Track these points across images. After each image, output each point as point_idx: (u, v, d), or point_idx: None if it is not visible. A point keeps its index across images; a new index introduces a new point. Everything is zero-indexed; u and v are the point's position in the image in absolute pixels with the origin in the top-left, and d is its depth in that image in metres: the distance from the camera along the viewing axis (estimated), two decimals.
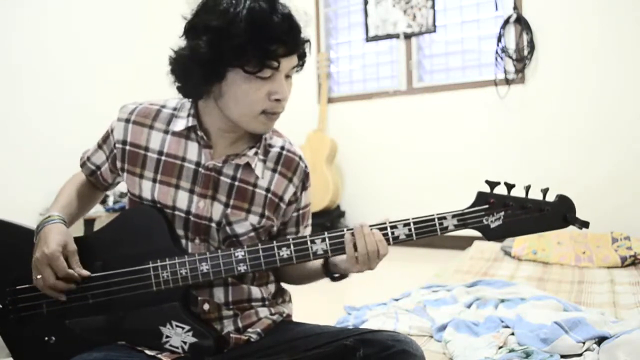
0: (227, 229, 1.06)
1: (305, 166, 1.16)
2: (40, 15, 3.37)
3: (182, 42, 1.00)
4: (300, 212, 1.17)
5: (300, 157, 1.15)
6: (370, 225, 1.00)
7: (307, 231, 1.20)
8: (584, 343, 1.48)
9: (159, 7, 3.88)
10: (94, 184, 1.22)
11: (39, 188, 3.16)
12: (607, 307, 1.96)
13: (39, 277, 0.99)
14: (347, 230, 1.00)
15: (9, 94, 3.20)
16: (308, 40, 1.02)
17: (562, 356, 1.47)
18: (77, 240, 1.04)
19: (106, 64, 3.70)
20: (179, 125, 1.07)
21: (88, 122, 3.26)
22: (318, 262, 1.11)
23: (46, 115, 3.37)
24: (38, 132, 3.32)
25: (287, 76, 1.02)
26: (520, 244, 2.96)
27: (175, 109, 1.10)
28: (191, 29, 0.99)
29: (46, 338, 1.04)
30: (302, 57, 1.04)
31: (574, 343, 1.48)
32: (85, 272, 1.01)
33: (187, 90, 1.04)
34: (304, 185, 1.16)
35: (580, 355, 1.47)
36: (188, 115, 1.07)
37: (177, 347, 1.00)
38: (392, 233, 1.00)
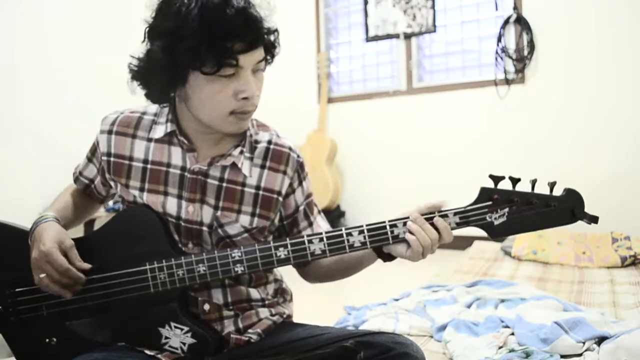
0: (219, 231, 1.05)
1: (297, 155, 1.12)
2: (40, 15, 3.37)
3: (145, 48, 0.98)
4: (305, 203, 1.14)
5: (290, 148, 1.11)
6: (368, 225, 0.98)
7: (320, 219, 1.17)
8: (584, 343, 1.48)
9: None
10: (90, 196, 1.21)
11: (38, 188, 3.16)
12: (607, 307, 1.96)
13: (42, 275, 0.97)
14: (396, 221, 0.97)
15: (9, 94, 3.20)
16: (275, 30, 0.98)
17: (562, 356, 1.47)
18: (74, 241, 1.03)
19: (106, 64, 3.69)
20: (159, 132, 1.05)
21: (88, 123, 3.26)
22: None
23: (46, 115, 3.37)
24: (38, 132, 3.31)
25: (256, 71, 0.97)
26: (520, 243, 2.96)
27: (155, 114, 1.08)
28: (149, 34, 0.97)
29: (47, 340, 1.04)
30: (270, 48, 0.99)
31: (574, 343, 1.48)
32: (86, 265, 1.00)
33: (153, 96, 1.02)
34: (300, 175, 1.12)
35: (580, 355, 1.47)
36: (167, 121, 1.05)
37: (177, 348, 1.00)
38: (392, 232, 0.97)
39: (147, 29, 0.97)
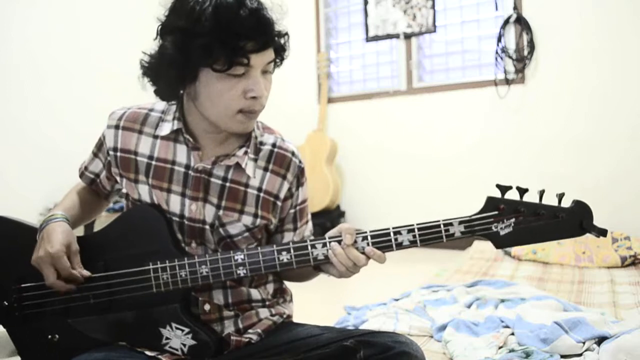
0: (221, 230, 1.05)
1: (299, 161, 1.14)
2: (41, 15, 3.37)
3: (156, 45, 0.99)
4: (297, 208, 1.15)
5: (292, 153, 1.13)
6: (372, 231, 0.97)
7: (308, 227, 1.19)
8: (584, 343, 1.49)
9: (164, 7, 3.88)
10: (96, 192, 1.22)
11: (39, 188, 3.17)
12: (607, 307, 1.97)
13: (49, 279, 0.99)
14: (330, 240, 0.98)
15: (10, 93, 3.20)
16: (285, 34, 1.00)
17: (562, 356, 1.47)
18: (79, 239, 1.04)
19: (107, 63, 3.70)
20: (165, 129, 1.06)
21: (89, 123, 3.27)
22: None
23: (46, 115, 3.37)
24: (38, 132, 3.31)
25: (265, 72, 0.99)
26: None
27: (163, 112, 1.10)
28: (161, 31, 0.98)
29: (49, 336, 1.04)
30: (280, 51, 1.01)
31: (574, 343, 1.48)
32: (87, 273, 1.00)
33: (162, 92, 1.04)
34: (299, 181, 1.14)
35: (580, 355, 1.47)
36: (173, 119, 1.06)
37: (177, 349, 1.00)
38: (396, 239, 0.97)
39: (160, 27, 0.99)
